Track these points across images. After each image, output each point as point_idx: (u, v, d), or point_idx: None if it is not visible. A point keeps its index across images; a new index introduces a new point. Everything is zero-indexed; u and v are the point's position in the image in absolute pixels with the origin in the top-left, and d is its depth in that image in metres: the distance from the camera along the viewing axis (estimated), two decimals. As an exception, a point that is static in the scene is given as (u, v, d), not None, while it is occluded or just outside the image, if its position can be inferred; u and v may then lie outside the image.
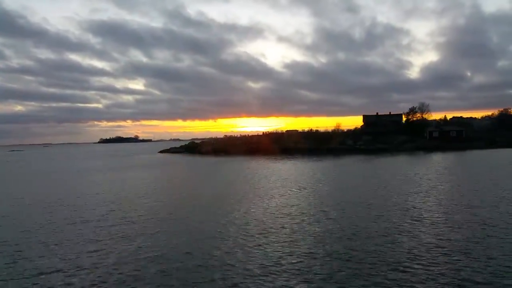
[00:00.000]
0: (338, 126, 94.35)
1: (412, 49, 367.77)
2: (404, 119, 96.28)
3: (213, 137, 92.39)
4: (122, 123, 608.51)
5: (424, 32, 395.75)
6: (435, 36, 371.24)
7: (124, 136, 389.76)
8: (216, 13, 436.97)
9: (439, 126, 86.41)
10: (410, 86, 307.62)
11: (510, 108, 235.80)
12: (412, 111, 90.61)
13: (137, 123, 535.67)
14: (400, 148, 77.23)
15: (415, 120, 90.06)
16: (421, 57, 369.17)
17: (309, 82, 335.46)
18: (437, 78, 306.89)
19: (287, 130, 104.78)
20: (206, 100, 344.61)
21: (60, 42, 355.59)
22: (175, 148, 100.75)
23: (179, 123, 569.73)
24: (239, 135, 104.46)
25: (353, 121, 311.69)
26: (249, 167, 46.78)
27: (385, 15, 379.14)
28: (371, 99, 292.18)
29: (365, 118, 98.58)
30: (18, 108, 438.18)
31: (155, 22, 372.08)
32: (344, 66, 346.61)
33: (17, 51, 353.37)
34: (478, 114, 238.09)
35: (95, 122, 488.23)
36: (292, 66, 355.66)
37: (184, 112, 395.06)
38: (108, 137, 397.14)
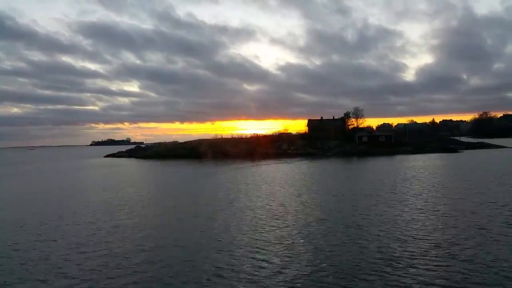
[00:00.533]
0: (286, 130, 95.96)
1: (407, 52, 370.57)
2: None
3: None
4: (120, 125, 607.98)
5: (418, 34, 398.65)
6: (428, 39, 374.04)
7: (116, 139, 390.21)
8: (206, 15, 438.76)
9: (369, 132, 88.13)
10: (406, 88, 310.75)
11: (489, 112, 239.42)
12: (347, 116, 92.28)
13: (135, 125, 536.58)
14: (328, 152, 79.07)
15: (352, 126, 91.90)
16: (415, 60, 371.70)
17: (305, 85, 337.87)
18: (433, 80, 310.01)
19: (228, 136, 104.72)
20: (203, 102, 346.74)
21: (51, 44, 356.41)
22: (122, 152, 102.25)
23: (177, 125, 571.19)
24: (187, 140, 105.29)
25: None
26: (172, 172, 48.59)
27: (376, 17, 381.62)
28: (368, 101, 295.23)
29: (309, 122, 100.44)
30: (15, 110, 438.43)
31: (145, 24, 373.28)
32: (339, 68, 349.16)
33: (8, 52, 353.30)
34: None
35: (92, 125, 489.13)
36: (287, 69, 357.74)
37: (181, 114, 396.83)
38: (100, 140, 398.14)
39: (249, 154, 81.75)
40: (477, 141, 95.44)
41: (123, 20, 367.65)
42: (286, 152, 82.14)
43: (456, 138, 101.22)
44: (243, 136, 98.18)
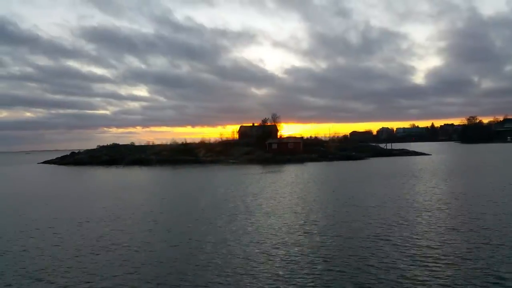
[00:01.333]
0: (203, 140, 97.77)
1: (413, 54, 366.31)
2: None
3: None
4: (132, 129, 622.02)
5: (423, 36, 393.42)
6: (435, 41, 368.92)
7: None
8: (205, 18, 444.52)
9: (279, 138, 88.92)
10: (417, 91, 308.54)
11: (476, 117, 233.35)
12: (264, 122, 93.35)
13: (147, 129, 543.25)
14: (235, 160, 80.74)
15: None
16: (423, 62, 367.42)
17: (313, 88, 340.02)
18: (444, 83, 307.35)
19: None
20: (212, 106, 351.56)
21: (55, 49, 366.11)
22: (54, 159, 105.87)
23: (189, 129, 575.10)
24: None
25: (363, 127, 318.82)
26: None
27: (377, 19, 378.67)
28: (379, 104, 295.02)
29: (240, 128, 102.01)
30: (28, 114, 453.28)
31: (146, 28, 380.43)
32: (345, 71, 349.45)
33: (15, 58, 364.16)
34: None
35: (105, 129, 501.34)
36: (293, 72, 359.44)
37: (191, 119, 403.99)
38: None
39: (166, 161, 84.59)
40: (402, 149, 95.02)
41: (123, 24, 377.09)
42: (199, 160, 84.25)
43: (388, 145, 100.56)
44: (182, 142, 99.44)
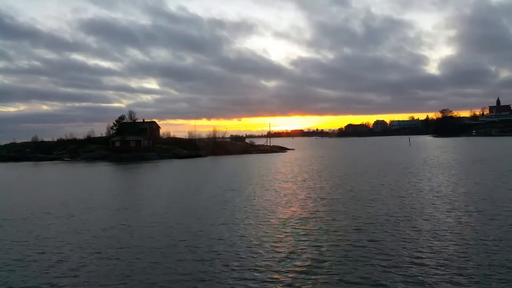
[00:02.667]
0: (89, 135, 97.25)
1: (422, 43, 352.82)
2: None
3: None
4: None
5: (430, 24, 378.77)
6: (443, 29, 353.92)
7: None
8: (198, 8, 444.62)
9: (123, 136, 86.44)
10: (433, 82, 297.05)
11: (447, 111, 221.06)
12: (122, 118, 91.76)
13: (164, 122, 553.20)
14: (78, 157, 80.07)
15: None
16: (434, 52, 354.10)
17: (323, 80, 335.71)
18: (459, 73, 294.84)
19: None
20: (224, 99, 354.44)
21: (57, 42, 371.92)
22: None
23: (205, 122, 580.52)
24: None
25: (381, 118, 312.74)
26: None
27: (378, 7, 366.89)
28: (395, 96, 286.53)
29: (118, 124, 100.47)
30: (45, 108, 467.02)
31: (142, 19, 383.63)
32: (354, 62, 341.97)
33: (19, 52, 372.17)
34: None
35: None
36: (300, 63, 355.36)
37: (205, 111, 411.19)
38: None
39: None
40: (273, 145, 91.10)
41: (119, 16, 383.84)
42: (51, 158, 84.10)
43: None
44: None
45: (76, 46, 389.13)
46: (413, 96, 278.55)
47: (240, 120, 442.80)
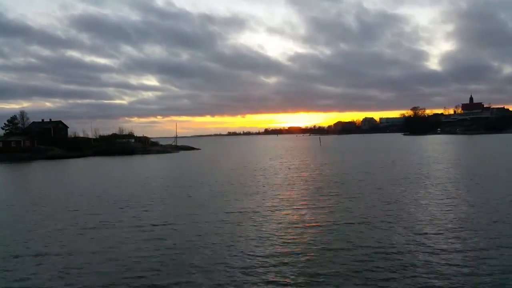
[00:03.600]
0: None
1: (420, 38, 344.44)
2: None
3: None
4: (154, 118, 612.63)
5: (426, 19, 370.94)
6: (439, 24, 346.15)
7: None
8: (187, 4, 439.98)
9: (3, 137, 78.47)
10: (436, 78, 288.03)
11: (418, 108, 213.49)
12: (13, 119, 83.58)
13: (168, 119, 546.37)
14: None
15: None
16: (433, 47, 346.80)
17: (324, 76, 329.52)
18: (461, 69, 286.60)
19: None
20: (225, 95, 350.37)
21: (50, 39, 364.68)
22: None
23: (208, 118, 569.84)
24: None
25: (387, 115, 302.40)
26: None
27: (370, 1, 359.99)
28: (399, 92, 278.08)
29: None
30: (48, 105, 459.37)
31: (132, 16, 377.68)
32: (352, 58, 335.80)
33: (14, 49, 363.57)
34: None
35: (126, 118, 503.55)
36: (297, 59, 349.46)
37: (208, 108, 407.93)
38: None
39: None
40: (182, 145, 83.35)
41: (108, 12, 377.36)
42: None
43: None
44: None
45: (69, 43, 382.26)
46: (417, 92, 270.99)
47: (244, 117, 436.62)
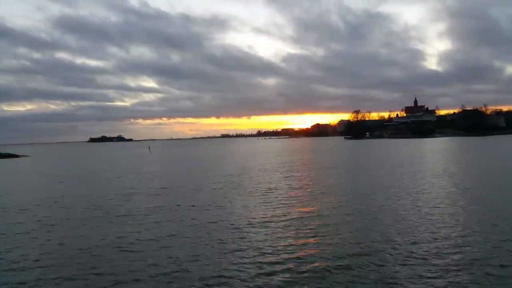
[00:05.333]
0: None
1: (412, 38, 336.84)
2: None
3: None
4: (160, 120, 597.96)
5: (414, 18, 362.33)
6: (429, 22, 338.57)
7: (108, 135, 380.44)
8: (161, 4, 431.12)
9: None
10: (439, 79, 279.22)
11: (358, 112, 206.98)
12: None
13: (174, 120, 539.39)
14: None
15: None
16: (428, 46, 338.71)
17: (323, 77, 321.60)
18: (461, 70, 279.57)
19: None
20: (227, 97, 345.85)
21: (36, 42, 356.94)
22: None
23: (214, 120, 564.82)
24: None
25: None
26: None
27: (351, 0, 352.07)
28: (403, 93, 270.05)
29: None
30: (52, 107, 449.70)
31: (113, 17, 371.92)
32: (348, 58, 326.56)
33: (1, 51, 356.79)
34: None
35: (132, 120, 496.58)
36: (291, 60, 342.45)
37: (212, 110, 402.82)
38: (96, 137, 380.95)
39: None
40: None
41: (86, 14, 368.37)
42: None
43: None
44: None
45: (55, 45, 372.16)
46: (421, 93, 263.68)
47: (249, 119, 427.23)
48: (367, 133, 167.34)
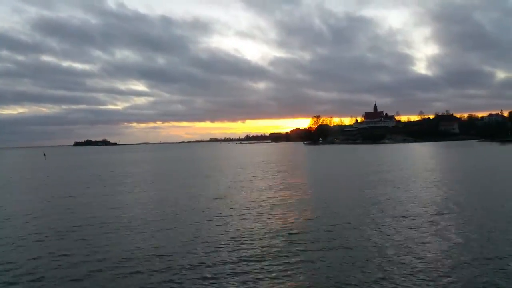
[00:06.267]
0: None
1: (398, 42, 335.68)
2: None
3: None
4: (153, 124, 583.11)
5: (398, 21, 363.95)
6: (412, 26, 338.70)
7: (93, 139, 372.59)
8: (138, 5, 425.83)
9: None
10: (431, 83, 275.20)
11: (319, 117, 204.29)
12: None
13: (168, 124, 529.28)
14: None
15: None
16: (416, 51, 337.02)
17: (313, 81, 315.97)
18: (451, 74, 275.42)
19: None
20: (220, 101, 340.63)
21: (18, 44, 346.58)
22: None
23: (208, 124, 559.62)
24: None
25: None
26: None
27: (332, 4, 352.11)
28: (395, 97, 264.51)
29: None
30: (44, 110, 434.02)
31: (91, 19, 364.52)
32: (335, 62, 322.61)
33: None
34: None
35: (126, 124, 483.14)
36: (278, 64, 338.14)
37: (205, 113, 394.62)
38: (81, 140, 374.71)
39: None
40: None
41: (64, 16, 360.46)
42: None
43: None
44: None
45: (39, 48, 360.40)
46: (414, 98, 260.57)
47: (244, 123, 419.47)
48: (320, 139, 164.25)
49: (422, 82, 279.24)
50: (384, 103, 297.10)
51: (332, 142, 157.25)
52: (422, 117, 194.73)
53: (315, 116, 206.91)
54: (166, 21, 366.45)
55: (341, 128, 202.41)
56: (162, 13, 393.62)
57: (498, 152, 60.33)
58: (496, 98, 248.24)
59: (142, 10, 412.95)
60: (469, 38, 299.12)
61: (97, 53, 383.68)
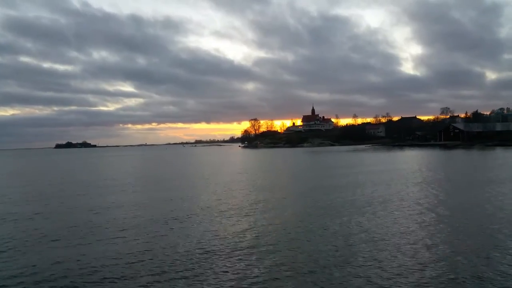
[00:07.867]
0: None
1: (380, 42, 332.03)
2: None
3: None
4: (149, 125, 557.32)
5: (374, 20, 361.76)
6: (389, 26, 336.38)
7: (73, 142, 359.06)
8: (105, 4, 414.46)
9: None
10: (422, 84, 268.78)
11: (256, 120, 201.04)
12: None
13: (164, 125, 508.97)
14: None
15: None
16: (399, 50, 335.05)
17: (300, 82, 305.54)
18: (441, 75, 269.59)
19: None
20: (212, 102, 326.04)
21: None
22: None
23: (204, 125, 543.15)
24: None
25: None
26: None
27: (303, 3, 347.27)
28: (388, 98, 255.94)
29: None
30: (37, 112, 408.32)
31: (60, 19, 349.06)
32: (319, 63, 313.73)
33: None
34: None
35: (121, 125, 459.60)
36: (264, 64, 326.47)
37: (199, 114, 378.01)
38: (61, 143, 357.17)
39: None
40: None
41: (29, 15, 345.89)
42: None
43: None
44: None
45: (14, 49, 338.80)
46: (407, 99, 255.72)
47: (240, 124, 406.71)
48: (246, 142, 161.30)
49: (412, 83, 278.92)
50: (377, 104, 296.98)
51: (255, 146, 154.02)
52: (355, 120, 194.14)
53: (252, 119, 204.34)
54: (136, 20, 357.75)
55: (277, 132, 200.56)
56: (130, 12, 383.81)
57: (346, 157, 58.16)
58: (489, 98, 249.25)
59: (108, 9, 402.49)
60: (451, 37, 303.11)
61: (74, 53, 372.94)
